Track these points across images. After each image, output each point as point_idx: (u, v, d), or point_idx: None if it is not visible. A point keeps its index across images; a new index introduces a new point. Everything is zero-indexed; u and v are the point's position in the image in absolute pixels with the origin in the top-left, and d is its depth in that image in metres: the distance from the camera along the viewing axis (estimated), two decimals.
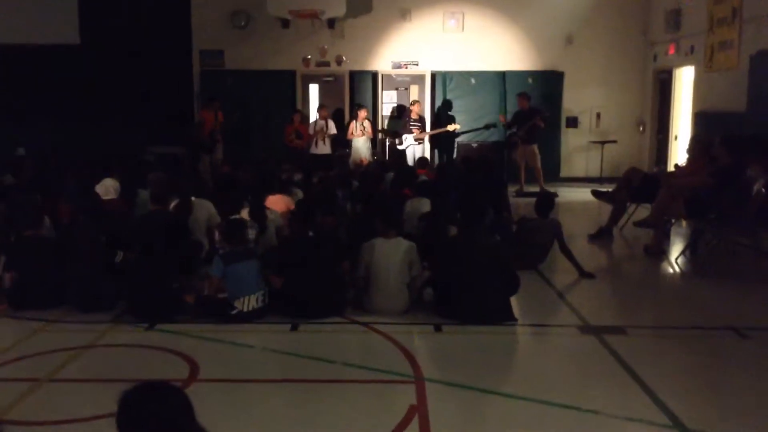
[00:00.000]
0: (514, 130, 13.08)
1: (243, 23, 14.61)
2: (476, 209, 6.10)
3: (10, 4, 14.19)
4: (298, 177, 9.90)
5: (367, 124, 13.29)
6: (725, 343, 5.41)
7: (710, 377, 4.79)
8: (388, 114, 14.78)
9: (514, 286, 5.91)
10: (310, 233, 6.10)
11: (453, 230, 6.95)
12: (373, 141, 13.57)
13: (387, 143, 13.87)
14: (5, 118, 13.49)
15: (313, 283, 5.78)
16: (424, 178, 9.29)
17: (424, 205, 7.66)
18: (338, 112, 14.10)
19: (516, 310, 5.81)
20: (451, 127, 13.47)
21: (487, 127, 14.48)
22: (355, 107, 13.70)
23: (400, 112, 13.85)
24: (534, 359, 5.27)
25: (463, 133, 14.16)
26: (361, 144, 13.24)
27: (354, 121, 13.33)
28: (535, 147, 13.10)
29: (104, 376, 4.71)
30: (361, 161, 12.63)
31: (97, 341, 5.36)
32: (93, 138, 13.29)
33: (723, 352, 5.23)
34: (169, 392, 2.32)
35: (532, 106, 13.24)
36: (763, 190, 7.48)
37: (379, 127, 13.94)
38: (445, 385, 4.51)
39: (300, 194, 8.42)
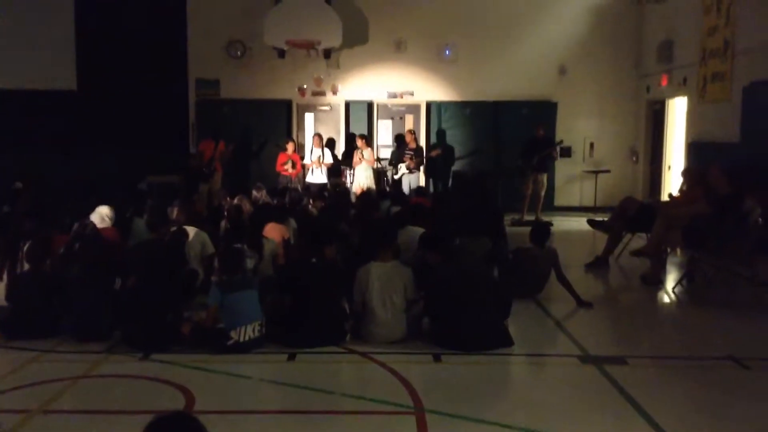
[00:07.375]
0: (519, 163, 13.21)
1: (239, 53, 14.71)
2: (447, 235, 6.12)
3: (10, 53, 14.25)
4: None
5: (367, 152, 13.35)
6: (726, 373, 5.37)
7: (712, 408, 4.73)
8: (384, 143, 14.85)
9: (505, 308, 5.89)
10: (314, 260, 6.07)
11: None
12: (374, 170, 13.60)
13: (382, 173, 13.89)
14: (5, 154, 13.42)
15: (315, 311, 5.74)
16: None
17: (419, 234, 7.60)
18: (332, 142, 14.13)
19: (515, 340, 5.76)
20: (433, 153, 13.62)
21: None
22: (355, 136, 13.74)
23: (399, 142, 13.91)
24: (535, 389, 5.21)
25: (455, 159, 14.19)
26: (360, 172, 13.28)
27: (356, 150, 13.40)
28: (545, 176, 13.30)
29: (98, 407, 4.64)
30: (361, 190, 12.64)
31: (91, 371, 5.29)
32: (91, 169, 13.25)
33: (724, 383, 5.19)
34: (189, 424, 2.38)
35: (547, 136, 13.46)
36: (761, 220, 7.49)
37: (375, 156, 14.00)
38: (446, 417, 4.45)
39: (293, 224, 8.36)
